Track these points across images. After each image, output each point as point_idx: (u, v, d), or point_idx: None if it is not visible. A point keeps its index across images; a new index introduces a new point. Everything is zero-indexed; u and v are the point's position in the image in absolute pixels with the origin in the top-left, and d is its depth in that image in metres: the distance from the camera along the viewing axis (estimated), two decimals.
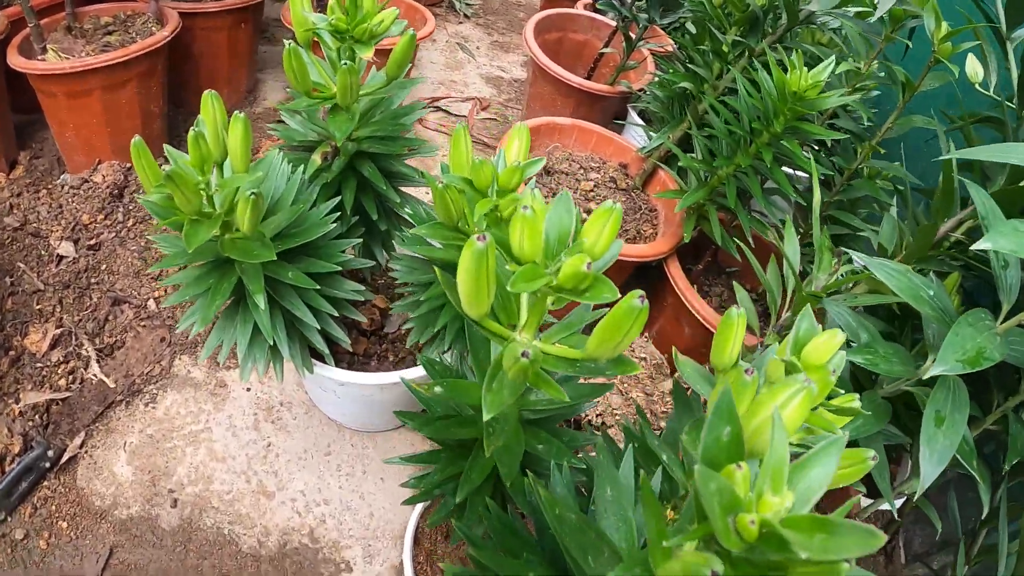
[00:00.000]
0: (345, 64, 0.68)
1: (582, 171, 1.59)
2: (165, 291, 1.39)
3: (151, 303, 1.36)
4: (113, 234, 1.43)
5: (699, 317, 1.32)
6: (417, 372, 1.02)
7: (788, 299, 1.12)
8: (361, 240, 0.90)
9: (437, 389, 0.60)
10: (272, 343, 0.82)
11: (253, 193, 0.61)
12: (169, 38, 1.46)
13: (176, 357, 1.32)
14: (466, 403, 0.65)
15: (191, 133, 0.63)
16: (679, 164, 1.41)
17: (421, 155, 0.92)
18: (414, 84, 0.84)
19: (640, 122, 1.92)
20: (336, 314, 0.83)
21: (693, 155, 1.41)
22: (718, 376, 0.55)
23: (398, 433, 1.31)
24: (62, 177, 1.51)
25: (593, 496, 0.54)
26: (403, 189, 0.94)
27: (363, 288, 0.87)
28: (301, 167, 0.82)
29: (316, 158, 0.86)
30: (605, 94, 1.87)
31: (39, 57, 1.41)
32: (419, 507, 0.99)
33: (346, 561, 1.13)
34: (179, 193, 0.62)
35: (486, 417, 0.48)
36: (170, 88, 1.62)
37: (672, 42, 1.96)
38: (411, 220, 0.87)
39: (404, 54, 0.75)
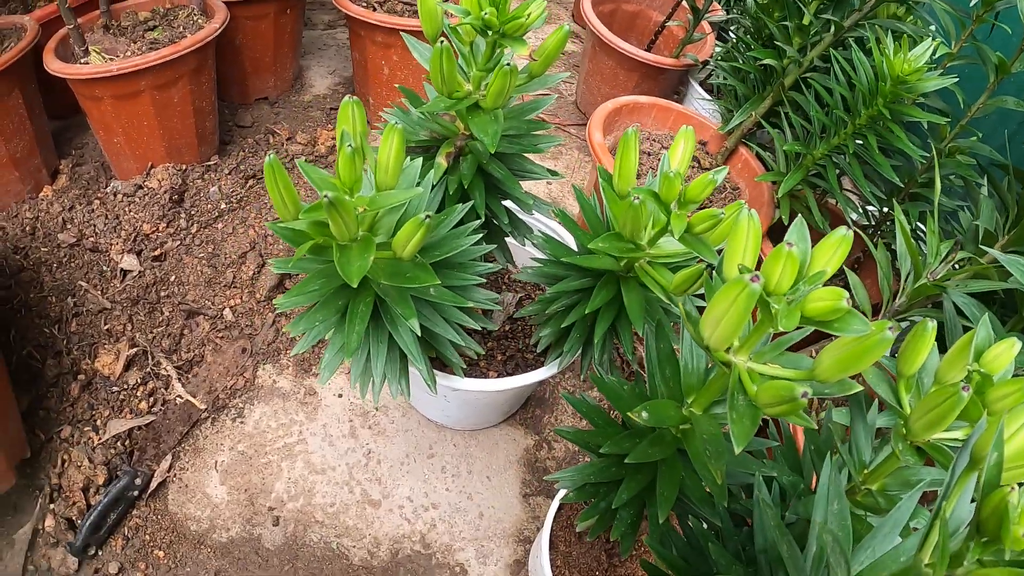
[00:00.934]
0: (508, 65, 0.60)
1: (664, 150, 1.50)
2: (240, 301, 1.31)
3: (227, 312, 1.29)
4: (178, 242, 1.35)
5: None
6: (541, 373, 0.95)
7: (902, 285, 1.05)
8: (495, 247, 0.82)
9: (644, 415, 0.54)
10: (408, 362, 0.74)
11: (427, 216, 0.53)
12: (220, 30, 1.37)
13: (260, 367, 1.26)
14: (668, 424, 0.58)
15: (346, 150, 0.54)
16: (783, 148, 1.33)
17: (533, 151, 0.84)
18: (555, 81, 0.75)
19: (705, 95, 1.83)
20: (477, 327, 0.76)
21: (780, 134, 1.34)
22: (901, 380, 0.51)
23: (499, 429, 1.26)
24: (112, 185, 1.43)
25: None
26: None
27: (497, 296, 0.79)
28: (430, 173, 0.74)
29: (441, 160, 0.77)
30: (669, 67, 1.78)
31: (81, 60, 1.32)
32: (552, 511, 0.93)
33: (460, 564, 1.09)
34: (339, 222, 0.54)
35: (737, 450, 0.44)
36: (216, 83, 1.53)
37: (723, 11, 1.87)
38: (562, 224, 0.79)
39: (556, 49, 0.67)
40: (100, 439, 1.12)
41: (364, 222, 0.61)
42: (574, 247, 0.91)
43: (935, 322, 0.48)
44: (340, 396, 1.25)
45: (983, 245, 1.03)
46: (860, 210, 1.40)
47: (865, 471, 0.58)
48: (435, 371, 0.89)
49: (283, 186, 0.58)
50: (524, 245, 0.91)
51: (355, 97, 0.58)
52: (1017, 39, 1.09)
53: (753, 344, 0.49)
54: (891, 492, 0.58)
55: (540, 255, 0.86)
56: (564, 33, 0.65)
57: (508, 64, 0.60)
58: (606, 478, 0.70)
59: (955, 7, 1.16)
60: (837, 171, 1.29)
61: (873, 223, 1.41)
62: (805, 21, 1.33)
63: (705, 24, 1.82)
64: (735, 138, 1.49)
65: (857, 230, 1.29)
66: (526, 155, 0.82)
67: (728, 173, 1.52)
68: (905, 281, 1.04)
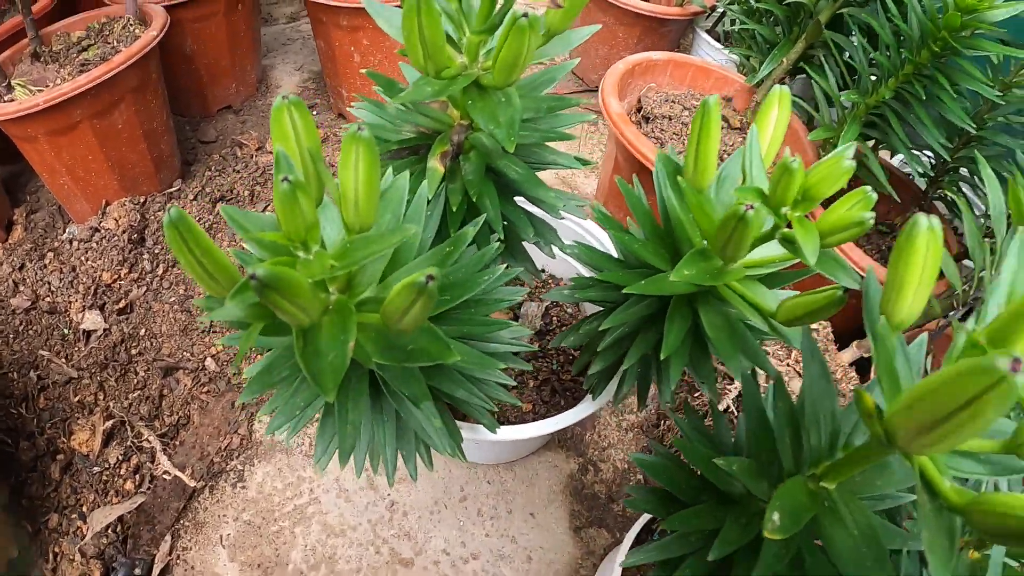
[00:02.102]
0: (524, 17, 0.40)
1: (687, 112, 1.31)
2: (223, 347, 1.14)
3: (209, 362, 1.12)
4: (144, 289, 1.18)
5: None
6: (586, 408, 0.78)
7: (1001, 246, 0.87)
8: (521, 269, 0.63)
9: (776, 517, 0.36)
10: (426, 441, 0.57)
11: (429, 278, 0.34)
12: (159, 38, 1.17)
13: (255, 420, 1.09)
14: (803, 521, 0.40)
15: (282, 187, 0.35)
16: (840, 97, 1.14)
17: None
18: (581, 38, 0.55)
19: (716, 44, 1.64)
20: (510, 384, 0.58)
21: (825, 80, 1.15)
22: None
23: (537, 457, 1.09)
24: (68, 231, 1.25)
25: None
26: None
27: (530, 332, 0.61)
28: (422, 186, 0.55)
29: (436, 164, 0.59)
30: (673, 18, 1.59)
31: (6, 98, 1.14)
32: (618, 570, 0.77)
33: None
34: (285, 307, 0.35)
35: None
36: (169, 96, 1.34)
37: None
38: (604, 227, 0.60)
39: None
40: (87, 530, 0.97)
41: (336, 279, 0.43)
42: (611, 250, 0.73)
43: None
44: None
45: None
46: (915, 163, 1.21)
47: None
48: (461, 425, 0.72)
49: (200, 252, 0.37)
50: (553, 255, 0.72)
51: (292, 96, 0.39)
52: None
53: None
54: None
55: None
56: None
57: (525, 16, 0.41)
58: (681, 551, 0.53)
59: None
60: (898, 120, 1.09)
61: (928, 178, 1.22)
62: None
63: None
64: (765, 90, 1.30)
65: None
66: (543, 144, 0.63)
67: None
68: (1004, 245, 0.86)
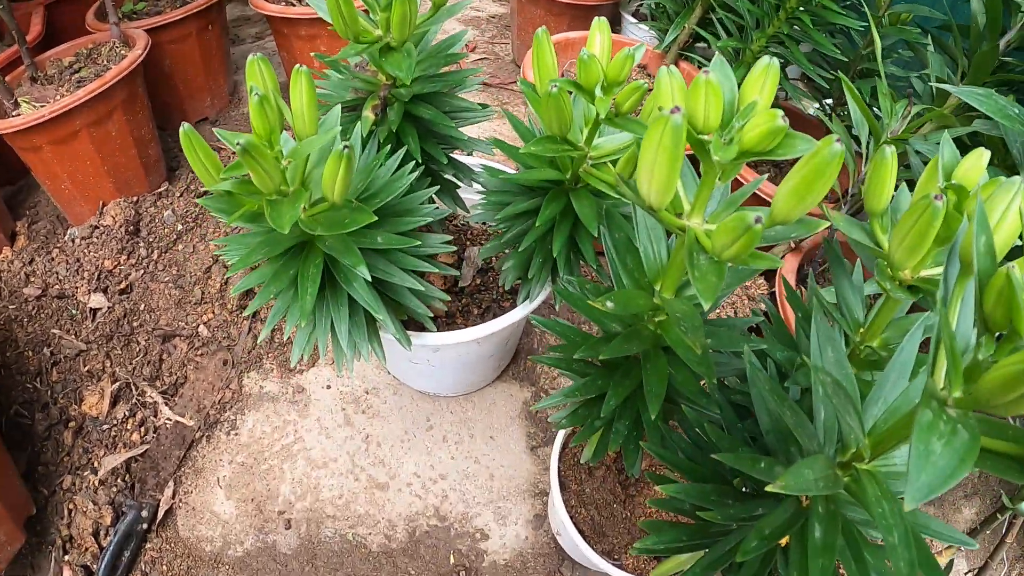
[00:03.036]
0: None
1: None
2: (213, 315, 1.30)
3: (202, 329, 1.28)
4: (141, 271, 1.34)
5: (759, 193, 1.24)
6: (516, 313, 0.94)
7: (864, 152, 1.05)
8: (438, 189, 0.81)
9: (609, 304, 0.52)
10: (375, 319, 0.74)
11: (346, 147, 0.52)
12: (143, 56, 1.35)
13: (244, 376, 1.24)
14: (637, 310, 0.56)
15: (253, 100, 0.54)
16: (718, 46, 1.33)
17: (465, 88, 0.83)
18: (461, 8, 0.74)
19: (638, 23, 1.83)
20: (435, 271, 0.75)
21: (715, 38, 1.34)
22: (874, 220, 0.49)
23: (493, 388, 1.25)
24: (69, 232, 1.42)
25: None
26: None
27: (450, 238, 0.78)
28: (356, 127, 0.73)
29: (368, 114, 0.76)
30: (598, 3, 1.78)
31: (13, 114, 1.31)
32: (556, 451, 0.92)
33: (479, 530, 1.08)
34: (258, 170, 0.53)
35: (706, 305, 0.41)
36: (152, 111, 1.52)
37: None
38: (501, 151, 0.78)
39: None
40: (99, 480, 1.11)
41: (294, 180, 0.60)
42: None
43: (892, 147, 0.46)
44: (328, 387, 1.24)
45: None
46: (814, 101, 1.40)
47: (861, 330, 0.57)
48: (409, 332, 0.88)
49: (203, 154, 0.57)
50: (471, 186, 0.90)
51: (259, 54, 0.57)
52: None
53: (703, 205, 0.47)
54: (892, 345, 0.55)
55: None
56: None
57: None
58: (593, 392, 0.68)
59: None
60: (781, 61, 1.28)
61: (828, 112, 1.40)
62: None
63: None
64: (673, 54, 1.49)
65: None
66: (455, 94, 0.81)
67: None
68: (867, 148, 1.04)
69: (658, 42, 1.61)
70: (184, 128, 0.56)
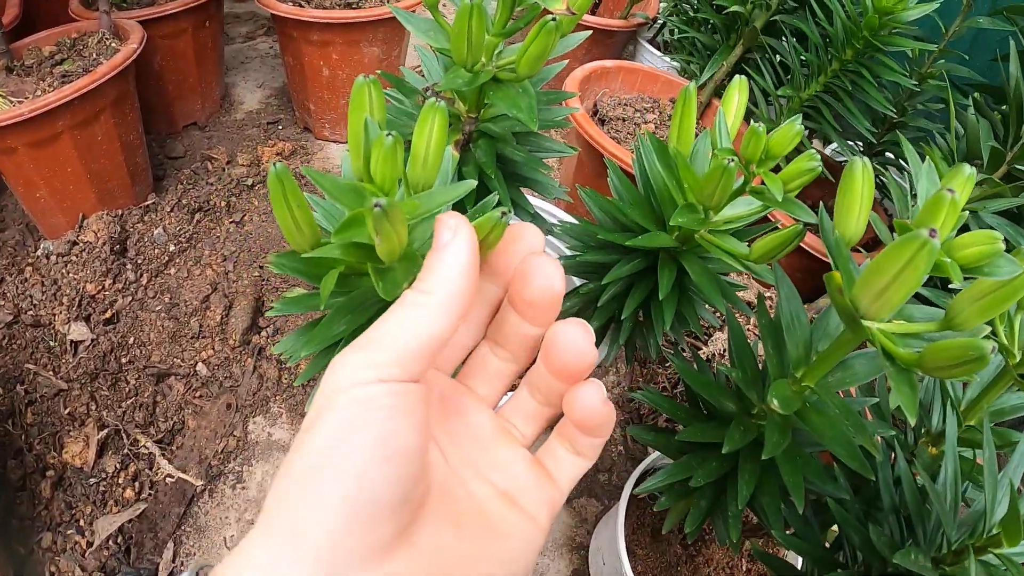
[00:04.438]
0: (553, 21, 0.48)
1: (638, 114, 1.41)
2: (213, 351, 1.16)
3: (200, 367, 1.13)
4: (129, 298, 1.18)
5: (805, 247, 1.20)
6: None
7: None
8: None
9: (775, 402, 0.45)
10: None
11: (504, 214, 0.41)
12: (139, 50, 1.20)
13: (249, 421, 1.11)
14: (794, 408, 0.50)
15: (384, 142, 0.41)
16: (778, 92, 1.27)
17: None
18: (577, 41, 0.65)
19: (657, 52, 1.76)
20: None
21: (762, 79, 1.29)
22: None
23: None
24: (42, 246, 1.25)
25: None
26: None
27: None
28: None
29: (452, 150, 0.65)
30: (618, 29, 1.70)
31: None
32: (621, 520, 0.84)
33: None
34: (391, 236, 0.41)
35: (912, 420, 0.39)
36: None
37: None
38: (591, 202, 0.68)
39: None
40: (89, 542, 0.96)
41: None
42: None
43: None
44: None
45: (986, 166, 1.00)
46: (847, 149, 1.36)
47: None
48: None
49: (296, 204, 0.43)
50: (547, 236, 0.79)
51: (371, 76, 0.45)
52: None
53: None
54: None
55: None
56: None
57: (553, 19, 0.48)
58: (708, 476, 0.62)
59: None
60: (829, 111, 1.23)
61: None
62: None
63: None
64: (708, 92, 1.42)
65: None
66: (541, 132, 0.70)
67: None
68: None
69: (678, 72, 1.54)
70: (276, 169, 0.42)
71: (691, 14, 1.52)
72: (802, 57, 1.23)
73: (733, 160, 0.48)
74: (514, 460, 0.32)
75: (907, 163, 1.22)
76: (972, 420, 0.59)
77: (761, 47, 1.34)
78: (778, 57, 1.32)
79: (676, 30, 1.56)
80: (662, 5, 1.79)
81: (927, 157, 0.85)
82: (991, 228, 0.94)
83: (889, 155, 1.34)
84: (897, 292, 0.36)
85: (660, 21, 1.79)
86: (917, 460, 0.62)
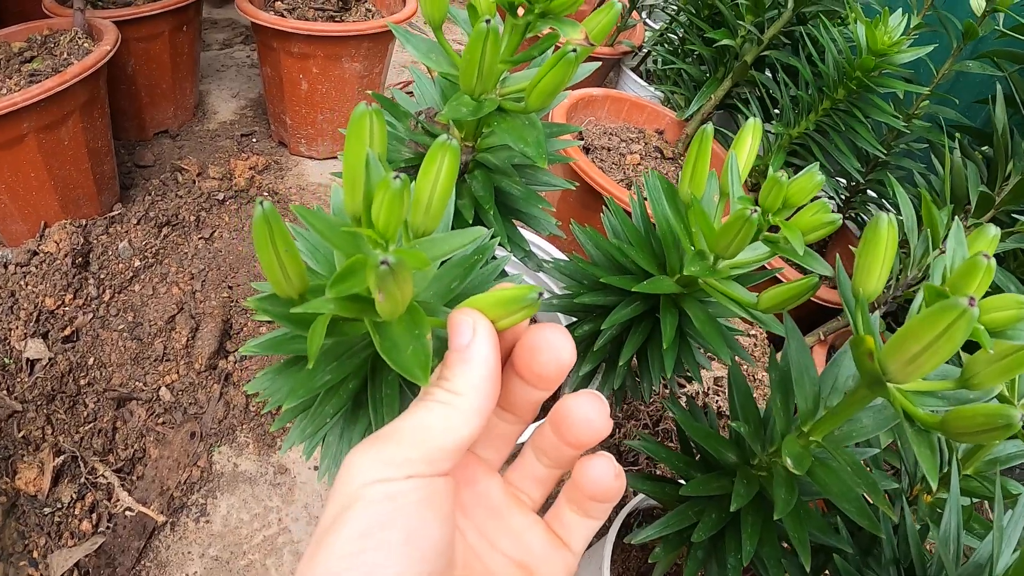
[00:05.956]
0: (573, 52, 0.45)
1: (623, 144, 1.39)
2: (177, 376, 1.10)
3: (164, 392, 1.08)
4: (90, 315, 1.12)
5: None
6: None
7: (913, 258, 1.01)
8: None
9: (789, 461, 0.44)
10: None
11: (540, 295, 0.38)
12: (112, 53, 1.14)
13: (214, 451, 1.05)
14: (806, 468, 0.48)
15: (393, 184, 0.37)
16: (773, 129, 1.28)
17: None
18: (587, 72, 0.62)
19: (641, 81, 1.76)
20: None
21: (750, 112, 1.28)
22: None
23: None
24: (0, 254, 1.18)
25: None
26: None
27: None
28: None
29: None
30: (605, 56, 1.69)
31: None
32: (607, 569, 0.81)
33: None
34: (395, 294, 0.37)
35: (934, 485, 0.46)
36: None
37: None
38: (588, 241, 0.66)
39: (607, 28, 0.53)
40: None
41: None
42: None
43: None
44: (316, 468, 1.06)
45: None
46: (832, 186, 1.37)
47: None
48: None
49: (284, 248, 0.39)
50: (537, 272, 0.77)
51: (374, 106, 0.42)
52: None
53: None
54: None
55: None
56: (616, 10, 0.51)
57: (574, 51, 0.45)
58: (709, 531, 0.59)
59: None
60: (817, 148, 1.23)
61: (842, 200, 1.38)
62: None
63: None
64: (695, 124, 1.41)
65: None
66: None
67: None
68: (920, 255, 0.99)
69: (661, 102, 1.54)
70: (264, 209, 0.38)
71: (677, 44, 1.52)
72: (792, 94, 1.24)
73: (756, 211, 0.46)
74: (527, 528, 0.32)
75: (889, 202, 1.24)
76: (968, 469, 0.60)
77: (750, 82, 1.34)
78: (769, 91, 1.32)
79: (661, 59, 1.56)
80: (647, 34, 1.80)
81: (922, 198, 0.86)
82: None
83: (872, 193, 1.35)
84: (931, 360, 0.35)
85: (645, 50, 1.79)
86: (916, 509, 0.62)
